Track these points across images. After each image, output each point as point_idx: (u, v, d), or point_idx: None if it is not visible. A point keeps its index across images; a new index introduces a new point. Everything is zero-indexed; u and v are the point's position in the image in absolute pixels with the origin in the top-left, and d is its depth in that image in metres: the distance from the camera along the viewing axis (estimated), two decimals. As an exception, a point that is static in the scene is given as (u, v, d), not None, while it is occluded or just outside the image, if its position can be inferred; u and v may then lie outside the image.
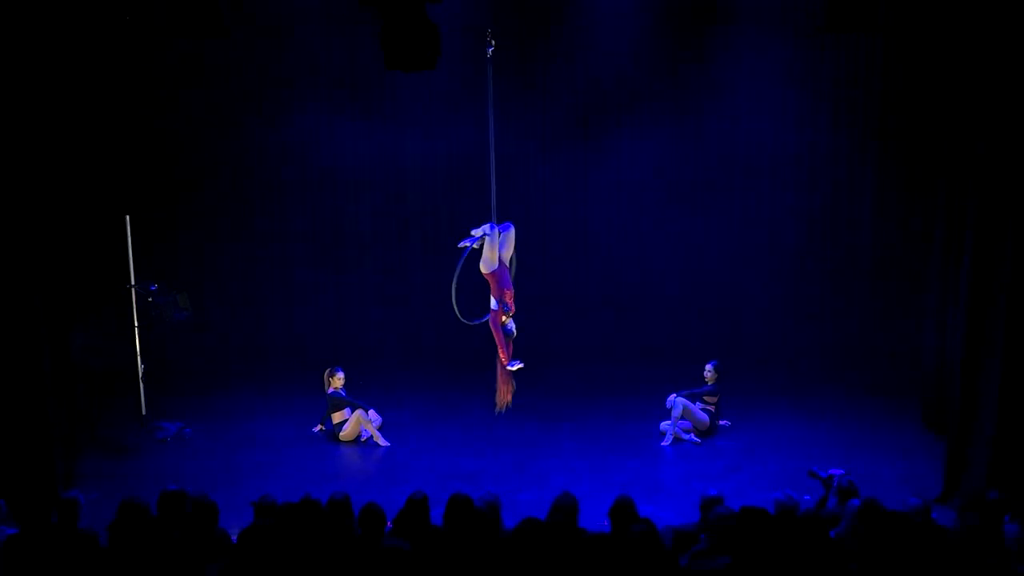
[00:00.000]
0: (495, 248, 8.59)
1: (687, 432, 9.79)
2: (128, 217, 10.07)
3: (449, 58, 8.48)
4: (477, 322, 9.04)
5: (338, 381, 9.91)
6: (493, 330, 8.85)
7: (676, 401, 9.75)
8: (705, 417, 9.85)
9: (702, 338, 12.11)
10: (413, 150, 12.35)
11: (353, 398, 9.94)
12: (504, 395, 9.07)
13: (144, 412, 10.19)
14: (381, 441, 9.75)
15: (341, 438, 9.81)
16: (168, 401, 10.55)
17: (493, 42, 8.34)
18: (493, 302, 8.77)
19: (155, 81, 11.55)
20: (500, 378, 9.04)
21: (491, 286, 8.74)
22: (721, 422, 10.11)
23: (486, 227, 8.63)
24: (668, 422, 9.79)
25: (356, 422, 9.78)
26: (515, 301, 8.76)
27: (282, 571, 5.07)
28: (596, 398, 11.16)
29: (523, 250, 12.35)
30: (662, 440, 9.76)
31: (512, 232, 8.81)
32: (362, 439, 9.83)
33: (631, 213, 12.52)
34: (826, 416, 10.41)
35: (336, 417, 9.84)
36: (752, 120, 12.05)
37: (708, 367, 10.01)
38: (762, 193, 12.22)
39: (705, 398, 9.95)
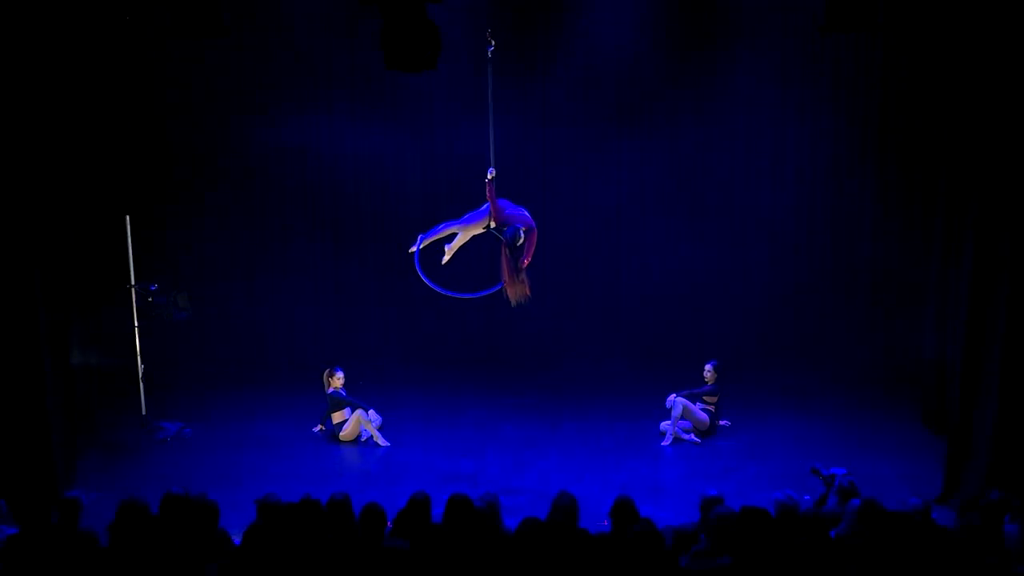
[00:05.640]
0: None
1: (687, 432, 9.79)
2: (128, 217, 10.07)
3: (450, 58, 8.48)
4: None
5: (338, 381, 9.91)
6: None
7: (676, 401, 9.75)
8: (705, 417, 9.85)
9: (702, 338, 12.12)
10: (413, 150, 12.36)
11: (353, 398, 9.95)
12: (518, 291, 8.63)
13: (144, 412, 10.18)
14: (381, 441, 9.74)
15: (341, 438, 9.81)
16: (168, 401, 10.55)
17: (493, 42, 8.35)
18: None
19: (155, 81, 11.55)
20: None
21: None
22: (721, 422, 10.11)
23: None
24: (668, 422, 9.79)
25: (356, 422, 9.78)
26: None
27: (282, 571, 5.07)
28: (596, 398, 11.16)
29: (523, 250, 12.40)
30: (662, 440, 9.76)
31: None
32: (362, 439, 9.83)
33: (632, 213, 12.53)
34: (826, 416, 10.41)
35: (336, 417, 9.84)
36: (753, 122, 12.07)
37: (708, 367, 10.02)
38: (763, 194, 12.23)
39: (705, 398, 9.95)
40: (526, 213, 8.58)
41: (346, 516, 5.50)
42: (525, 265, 8.47)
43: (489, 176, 8.43)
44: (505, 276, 8.52)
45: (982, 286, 8.07)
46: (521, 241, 8.45)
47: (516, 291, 8.54)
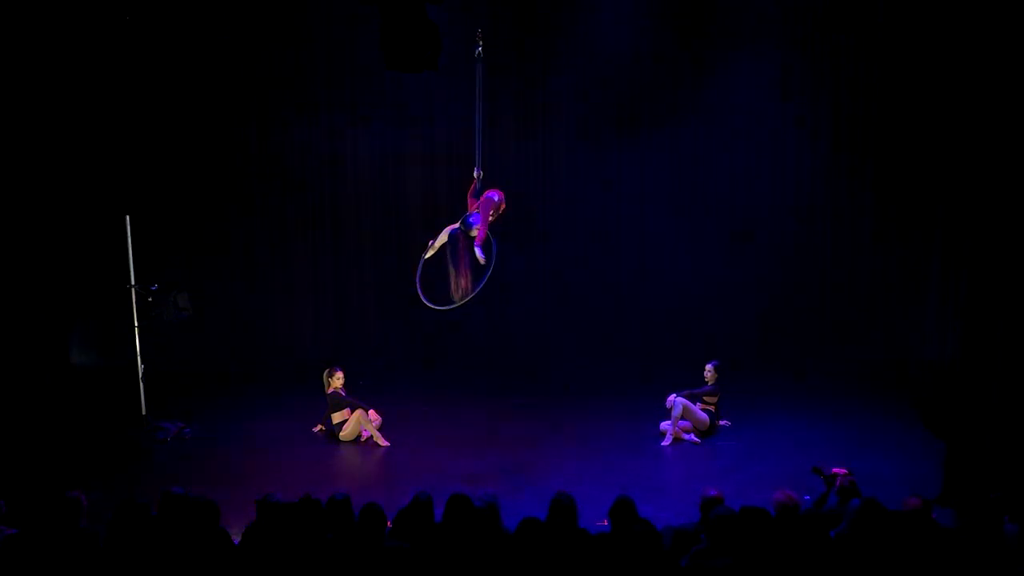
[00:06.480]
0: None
1: (687, 432, 9.78)
2: (128, 217, 10.07)
3: (451, 58, 8.48)
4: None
5: (338, 381, 9.90)
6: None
7: (676, 401, 9.73)
8: (705, 417, 9.84)
9: (702, 338, 12.13)
10: (413, 150, 12.36)
11: (353, 398, 9.94)
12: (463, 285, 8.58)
13: (144, 412, 10.18)
14: (381, 441, 9.74)
15: (341, 438, 9.80)
16: (168, 401, 10.55)
17: (481, 42, 8.35)
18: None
19: (155, 81, 11.55)
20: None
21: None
22: (721, 422, 10.10)
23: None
24: (668, 422, 9.79)
25: (356, 422, 9.77)
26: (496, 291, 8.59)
27: (282, 571, 5.08)
28: (596, 398, 11.16)
29: (524, 251, 12.43)
30: (662, 440, 9.75)
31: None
32: (362, 439, 9.83)
33: (632, 214, 12.54)
34: (826, 416, 10.41)
35: (336, 417, 9.84)
36: (752, 122, 12.10)
37: (708, 367, 10.01)
38: (763, 194, 12.25)
39: (705, 398, 9.94)
40: (492, 193, 8.53)
41: (346, 516, 5.49)
42: (480, 240, 8.37)
43: (476, 176, 8.44)
44: (451, 272, 8.50)
45: (982, 286, 8.07)
46: (476, 229, 8.39)
47: (459, 285, 8.48)
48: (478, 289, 8.68)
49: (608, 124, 12.27)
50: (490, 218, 8.57)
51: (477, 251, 8.42)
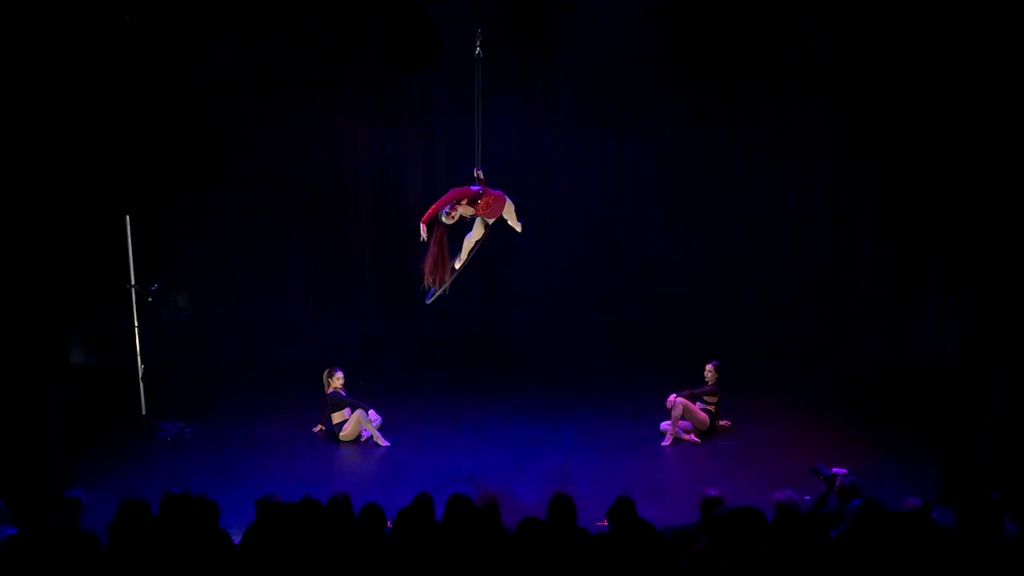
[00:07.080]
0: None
1: (687, 432, 9.79)
2: (128, 217, 10.07)
3: (452, 58, 8.48)
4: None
5: (338, 381, 9.90)
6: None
7: (676, 401, 9.74)
8: (705, 417, 9.84)
9: (702, 338, 12.13)
10: (414, 150, 12.37)
11: (353, 398, 9.94)
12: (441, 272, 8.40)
13: (144, 412, 10.18)
14: (381, 441, 9.74)
15: (341, 438, 9.80)
16: (168, 401, 10.55)
17: (480, 41, 8.35)
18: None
19: (155, 81, 11.55)
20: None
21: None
22: (721, 422, 10.10)
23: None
24: (668, 422, 9.79)
25: (356, 422, 9.78)
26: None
27: (282, 571, 5.08)
28: (596, 398, 11.16)
29: (523, 250, 12.43)
30: (662, 440, 9.75)
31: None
32: (362, 439, 9.83)
33: (632, 214, 12.55)
34: (826, 416, 10.41)
35: (336, 417, 9.84)
36: (753, 121, 12.10)
37: (708, 367, 10.01)
38: (763, 193, 12.26)
39: (705, 398, 9.94)
40: (476, 187, 8.50)
41: (346, 516, 5.50)
42: (425, 217, 8.22)
43: (476, 175, 8.43)
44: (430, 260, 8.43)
45: (981, 287, 8.07)
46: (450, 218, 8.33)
47: (436, 273, 8.42)
48: (453, 277, 8.61)
49: (608, 124, 12.28)
50: (476, 210, 8.43)
51: (422, 227, 8.33)
